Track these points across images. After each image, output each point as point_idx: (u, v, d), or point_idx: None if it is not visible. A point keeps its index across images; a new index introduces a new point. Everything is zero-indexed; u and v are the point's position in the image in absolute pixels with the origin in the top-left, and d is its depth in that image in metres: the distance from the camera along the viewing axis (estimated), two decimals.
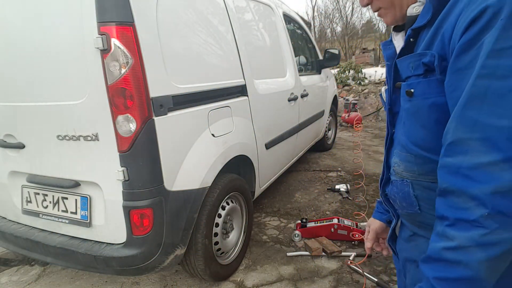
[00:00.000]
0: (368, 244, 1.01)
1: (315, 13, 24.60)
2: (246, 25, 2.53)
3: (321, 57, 4.31)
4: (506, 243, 0.52)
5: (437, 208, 0.60)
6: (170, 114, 1.63)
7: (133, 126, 1.48)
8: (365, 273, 2.11)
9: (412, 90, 0.70)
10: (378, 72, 9.97)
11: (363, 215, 2.81)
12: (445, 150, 0.59)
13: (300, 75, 3.40)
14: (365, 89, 8.81)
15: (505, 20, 0.51)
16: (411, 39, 0.71)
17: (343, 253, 2.37)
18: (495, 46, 0.52)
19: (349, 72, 9.84)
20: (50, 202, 1.79)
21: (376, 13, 0.79)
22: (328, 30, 24.65)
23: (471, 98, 0.55)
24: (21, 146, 1.80)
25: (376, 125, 7.28)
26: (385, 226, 1.00)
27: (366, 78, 9.69)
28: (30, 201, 1.86)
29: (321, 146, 4.74)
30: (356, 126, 6.53)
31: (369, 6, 0.78)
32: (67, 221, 1.74)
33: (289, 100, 3.03)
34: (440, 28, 0.63)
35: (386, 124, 0.85)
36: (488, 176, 0.52)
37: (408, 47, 0.72)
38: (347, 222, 2.57)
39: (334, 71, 9.69)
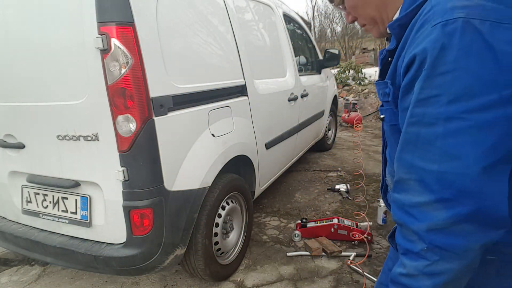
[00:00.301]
0: None
1: (315, 13, 24.64)
2: (246, 25, 2.53)
3: (321, 57, 4.31)
4: (449, 273, 0.56)
5: (396, 237, 0.65)
6: (170, 114, 1.63)
7: (133, 126, 1.48)
8: (365, 273, 2.11)
9: (382, 116, 0.75)
10: (378, 72, 9.96)
11: (363, 215, 2.81)
12: (394, 186, 0.64)
13: (300, 75, 3.40)
14: (365, 89, 8.81)
15: (427, 70, 0.53)
16: (389, 58, 0.72)
17: (343, 253, 2.38)
18: (420, 96, 0.55)
19: (349, 72, 9.84)
20: (50, 202, 1.79)
21: (363, 28, 0.82)
22: (328, 30, 24.67)
23: (405, 143, 0.60)
24: (21, 146, 1.80)
25: (376, 125, 7.27)
26: None
27: (366, 78, 9.69)
28: (30, 201, 1.86)
29: (321, 146, 4.74)
30: (356, 126, 6.53)
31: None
32: (67, 221, 1.74)
33: (289, 100, 3.03)
34: (399, 59, 0.64)
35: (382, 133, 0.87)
36: (423, 215, 0.56)
37: (385, 68, 0.73)
38: (347, 222, 2.57)
39: (334, 71, 9.69)
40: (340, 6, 0.80)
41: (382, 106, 0.76)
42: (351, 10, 0.78)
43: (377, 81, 0.77)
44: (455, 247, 0.55)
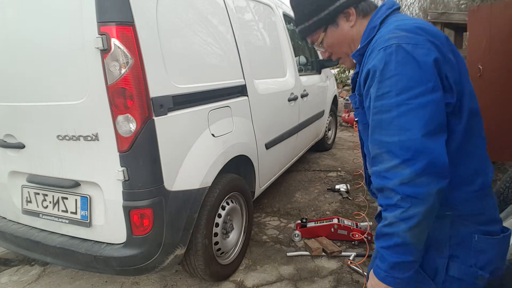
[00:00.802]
0: None
1: None
2: (246, 25, 2.53)
3: (321, 57, 4.30)
4: (418, 215, 0.77)
5: (378, 201, 0.87)
6: (170, 114, 1.63)
7: (133, 126, 1.48)
8: (365, 273, 2.11)
9: (357, 119, 1.04)
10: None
11: (363, 215, 2.81)
12: (371, 162, 0.87)
13: (300, 75, 3.40)
14: None
15: (379, 77, 0.81)
16: (356, 79, 1.01)
17: (343, 253, 2.37)
18: (377, 93, 0.82)
19: (349, 72, 9.83)
20: (50, 202, 1.79)
21: (339, 61, 1.10)
22: None
23: (374, 128, 0.84)
24: (21, 146, 1.80)
25: None
26: None
27: None
28: (30, 201, 1.86)
29: (321, 146, 4.74)
30: (356, 126, 6.53)
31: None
32: (67, 221, 1.74)
33: (289, 100, 3.03)
34: (360, 76, 0.93)
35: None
36: (395, 174, 0.78)
37: (354, 85, 1.03)
38: (347, 222, 2.57)
39: (334, 71, 9.68)
40: (320, 45, 1.05)
41: (355, 111, 1.05)
42: (329, 48, 1.05)
43: (350, 95, 1.07)
44: (420, 194, 0.76)
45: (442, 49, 0.82)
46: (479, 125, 0.90)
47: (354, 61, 1.00)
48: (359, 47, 0.95)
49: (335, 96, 4.93)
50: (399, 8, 0.97)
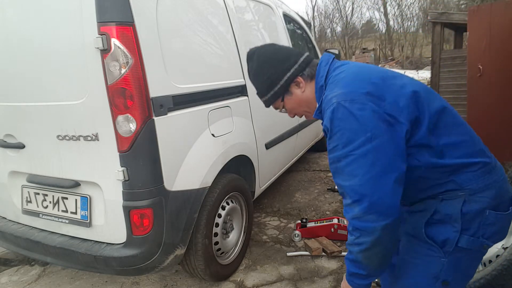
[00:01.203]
0: None
1: (315, 13, 24.63)
2: (246, 25, 2.54)
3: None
4: (367, 243, 0.94)
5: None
6: (170, 114, 1.63)
7: (133, 126, 1.48)
8: None
9: None
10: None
11: None
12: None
13: None
14: None
15: (329, 134, 0.97)
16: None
17: (343, 253, 2.37)
18: (329, 148, 0.98)
19: None
20: (50, 202, 1.79)
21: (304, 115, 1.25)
22: (328, 30, 24.67)
23: (333, 173, 1.01)
24: (21, 146, 1.80)
25: None
26: None
27: None
28: (30, 201, 1.86)
29: (321, 146, 4.74)
30: None
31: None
32: (67, 221, 1.74)
33: None
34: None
35: None
36: (349, 210, 0.95)
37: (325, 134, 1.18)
38: (347, 222, 2.57)
39: None
40: (283, 110, 1.25)
41: None
42: (291, 111, 1.24)
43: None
44: (367, 228, 0.93)
45: (379, 93, 0.96)
46: (451, 117, 1.02)
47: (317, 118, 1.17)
48: (317, 106, 1.12)
49: None
50: (334, 58, 1.15)
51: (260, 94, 1.24)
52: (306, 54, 1.18)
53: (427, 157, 0.98)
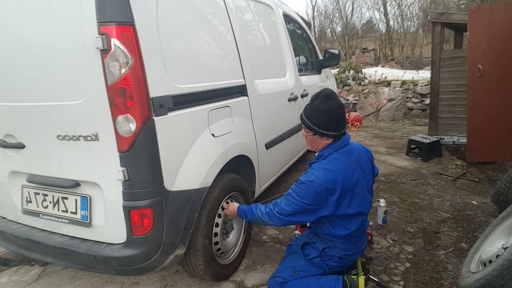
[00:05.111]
0: None
1: (315, 13, 24.58)
2: (246, 25, 2.54)
3: (321, 57, 4.30)
4: (264, 223, 1.92)
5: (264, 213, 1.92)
6: (170, 114, 1.63)
7: (133, 126, 1.48)
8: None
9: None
10: (378, 72, 9.97)
11: None
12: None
13: (300, 75, 3.41)
14: (365, 89, 8.81)
15: (297, 182, 1.80)
16: None
17: None
18: (292, 187, 1.80)
19: (349, 72, 9.84)
20: (50, 202, 1.79)
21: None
22: (328, 30, 24.63)
23: (285, 195, 1.84)
24: (21, 146, 1.80)
25: (376, 125, 7.28)
26: None
27: (366, 78, 9.69)
28: (30, 201, 1.86)
29: None
30: (353, 126, 6.61)
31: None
32: (67, 221, 1.74)
33: (289, 100, 3.03)
34: None
35: None
36: (279, 214, 1.82)
37: None
38: None
39: (334, 71, 9.68)
40: (307, 137, 1.92)
41: None
42: (310, 141, 1.92)
43: None
44: (275, 222, 1.85)
45: (334, 184, 1.72)
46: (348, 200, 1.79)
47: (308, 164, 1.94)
48: (314, 158, 1.91)
49: None
50: (339, 148, 1.83)
51: (311, 121, 1.82)
52: (344, 130, 1.85)
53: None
